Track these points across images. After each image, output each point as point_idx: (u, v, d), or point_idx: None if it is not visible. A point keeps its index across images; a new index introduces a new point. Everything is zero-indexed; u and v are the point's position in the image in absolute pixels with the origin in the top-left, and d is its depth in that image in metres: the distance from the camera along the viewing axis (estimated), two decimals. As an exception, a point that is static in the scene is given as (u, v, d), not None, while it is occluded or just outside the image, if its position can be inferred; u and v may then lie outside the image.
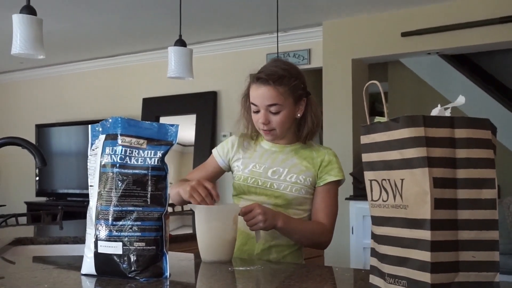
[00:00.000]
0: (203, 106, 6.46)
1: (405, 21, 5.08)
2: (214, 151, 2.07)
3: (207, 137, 6.28)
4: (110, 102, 7.23)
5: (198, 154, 6.24)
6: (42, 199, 7.54)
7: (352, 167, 5.23)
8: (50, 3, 4.80)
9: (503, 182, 6.07)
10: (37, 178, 7.57)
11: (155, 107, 6.79)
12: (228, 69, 6.25)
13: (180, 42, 3.47)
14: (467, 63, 7.13)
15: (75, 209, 6.04)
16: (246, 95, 1.97)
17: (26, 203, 7.31)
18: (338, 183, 1.97)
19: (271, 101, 1.87)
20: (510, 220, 4.87)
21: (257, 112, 1.91)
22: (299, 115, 1.95)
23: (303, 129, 1.97)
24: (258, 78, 1.88)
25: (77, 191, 6.97)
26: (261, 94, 1.87)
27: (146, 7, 5.04)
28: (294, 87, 1.89)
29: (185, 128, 6.54)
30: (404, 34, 5.06)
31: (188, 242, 2.58)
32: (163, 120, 6.60)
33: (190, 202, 1.78)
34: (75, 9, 5.12)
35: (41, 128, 7.68)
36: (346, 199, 5.11)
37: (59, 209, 3.63)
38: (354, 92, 5.32)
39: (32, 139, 7.37)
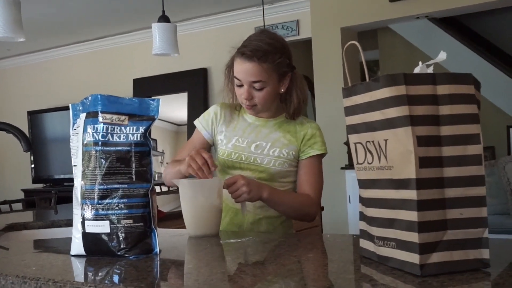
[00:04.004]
0: (194, 83, 6.42)
1: (392, -14, 5.02)
2: (197, 124, 2.04)
3: (200, 114, 6.23)
4: (101, 84, 7.17)
5: (192, 132, 6.20)
6: (39, 185, 7.53)
7: (346, 137, 5.21)
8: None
9: (498, 142, 6.07)
10: (32, 166, 7.55)
11: (146, 87, 6.75)
12: (217, 45, 6.19)
13: (164, 18, 3.42)
14: (457, 25, 7.08)
15: (72, 194, 6.02)
16: (230, 67, 1.93)
17: (23, 190, 7.31)
18: (321, 156, 1.95)
19: (255, 77, 1.83)
20: (506, 180, 4.87)
21: (240, 86, 1.87)
22: (282, 90, 1.91)
23: (289, 106, 1.94)
24: (243, 53, 1.83)
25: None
26: (245, 70, 1.83)
27: (129, -14, 4.98)
28: (279, 63, 1.85)
29: (178, 107, 6.51)
30: (392, -1, 5.01)
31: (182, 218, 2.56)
32: (155, 100, 6.56)
33: (189, 176, 1.77)
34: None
35: (33, 115, 7.63)
36: (342, 168, 5.10)
37: (53, 194, 3.61)
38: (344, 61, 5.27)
39: (24, 126, 7.34)
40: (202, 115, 2.05)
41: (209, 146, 2.03)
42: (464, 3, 4.79)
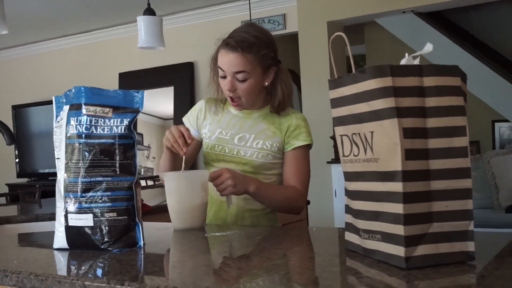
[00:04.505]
0: (180, 77, 6.39)
1: (379, -20, 5.02)
2: (185, 121, 2.02)
3: (186, 109, 6.14)
4: (86, 78, 7.11)
5: (178, 127, 6.18)
6: (24, 180, 7.46)
7: (333, 131, 5.21)
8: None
9: (483, 137, 6.11)
10: (17, 160, 7.49)
11: (132, 81, 6.71)
12: (203, 39, 6.14)
13: (149, 11, 3.40)
14: (443, 20, 7.10)
15: (57, 188, 5.97)
16: (215, 59, 1.92)
17: (7, 185, 7.24)
18: (307, 147, 1.93)
19: (238, 68, 1.81)
20: (491, 174, 4.90)
21: (224, 77, 1.86)
22: (266, 83, 1.90)
23: (274, 99, 1.92)
24: (227, 43, 1.82)
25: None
26: (228, 61, 1.82)
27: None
28: (264, 56, 1.84)
29: (164, 101, 6.48)
30: (379, -6, 5.00)
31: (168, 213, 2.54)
32: (141, 94, 6.53)
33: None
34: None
35: (18, 109, 7.55)
36: (328, 162, 5.11)
37: (37, 188, 3.58)
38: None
39: (9, 120, 7.26)
40: (189, 112, 2.04)
41: (199, 144, 2.01)
42: (450, -2, 4.80)
